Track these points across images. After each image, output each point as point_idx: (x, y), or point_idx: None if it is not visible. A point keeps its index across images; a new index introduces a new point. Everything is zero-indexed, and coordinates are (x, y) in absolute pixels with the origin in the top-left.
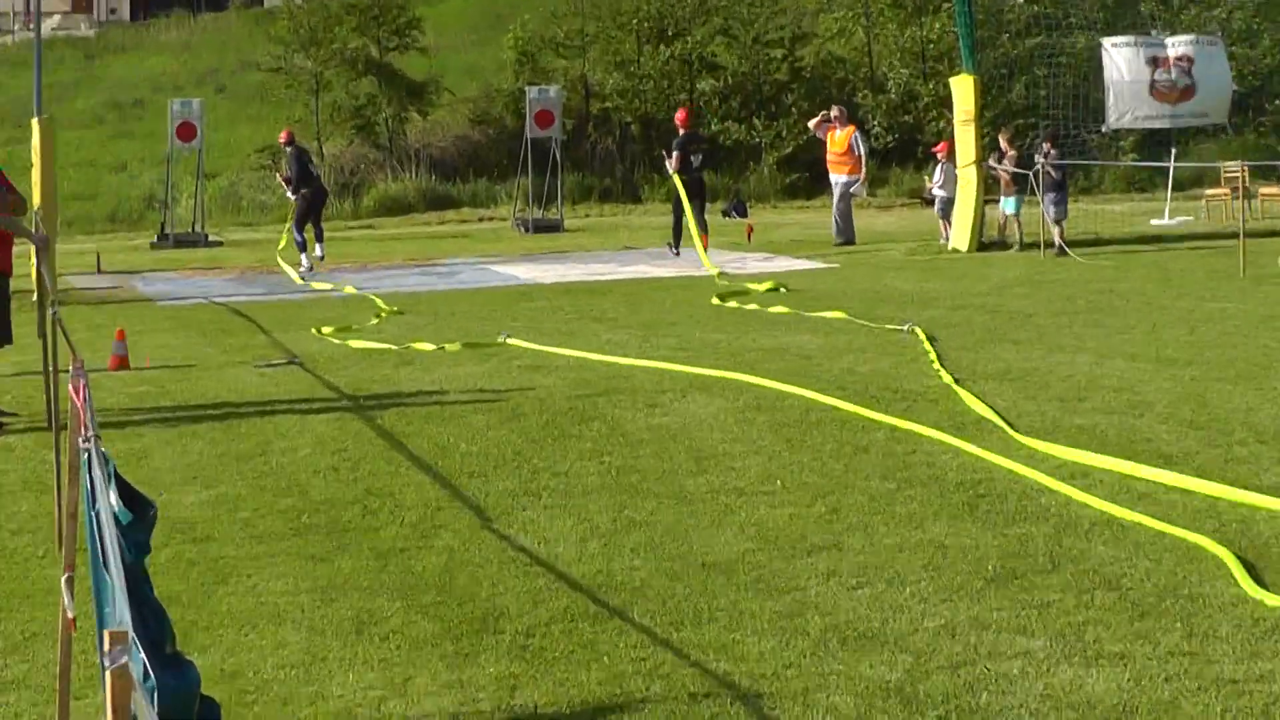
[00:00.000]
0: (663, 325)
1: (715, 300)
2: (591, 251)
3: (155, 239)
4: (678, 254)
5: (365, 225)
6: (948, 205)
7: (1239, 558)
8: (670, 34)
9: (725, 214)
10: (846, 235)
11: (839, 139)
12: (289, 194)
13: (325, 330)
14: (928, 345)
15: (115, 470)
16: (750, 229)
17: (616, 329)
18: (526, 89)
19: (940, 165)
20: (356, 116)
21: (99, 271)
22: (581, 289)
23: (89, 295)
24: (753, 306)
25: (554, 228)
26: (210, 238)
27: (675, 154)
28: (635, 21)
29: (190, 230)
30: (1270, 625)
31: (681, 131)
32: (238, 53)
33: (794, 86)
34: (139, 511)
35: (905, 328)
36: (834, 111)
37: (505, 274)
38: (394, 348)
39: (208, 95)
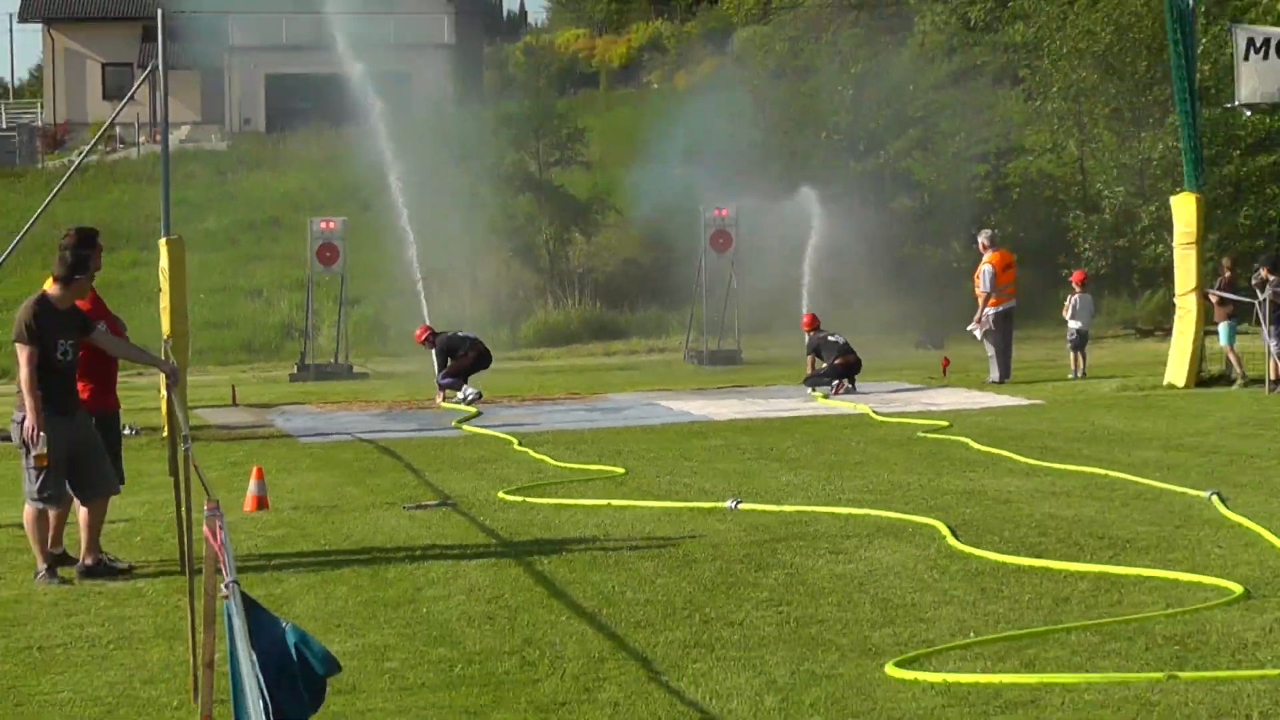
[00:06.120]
0: (849, 466)
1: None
2: (773, 386)
3: (294, 370)
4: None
5: (524, 356)
6: (1080, 337)
7: None
8: (863, 148)
9: (919, 345)
10: (997, 372)
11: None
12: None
13: (509, 493)
14: (1224, 510)
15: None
16: (946, 361)
17: (799, 470)
18: (702, 209)
19: (1075, 295)
20: (514, 237)
21: (234, 405)
22: (761, 426)
23: (223, 431)
24: (962, 440)
25: (731, 360)
26: (354, 369)
27: (810, 357)
28: (824, 135)
29: (332, 361)
30: None
31: (810, 335)
32: (383, 168)
33: (998, 206)
34: (332, 667)
35: (1208, 494)
36: (982, 238)
37: (677, 410)
38: (589, 501)
39: (351, 214)
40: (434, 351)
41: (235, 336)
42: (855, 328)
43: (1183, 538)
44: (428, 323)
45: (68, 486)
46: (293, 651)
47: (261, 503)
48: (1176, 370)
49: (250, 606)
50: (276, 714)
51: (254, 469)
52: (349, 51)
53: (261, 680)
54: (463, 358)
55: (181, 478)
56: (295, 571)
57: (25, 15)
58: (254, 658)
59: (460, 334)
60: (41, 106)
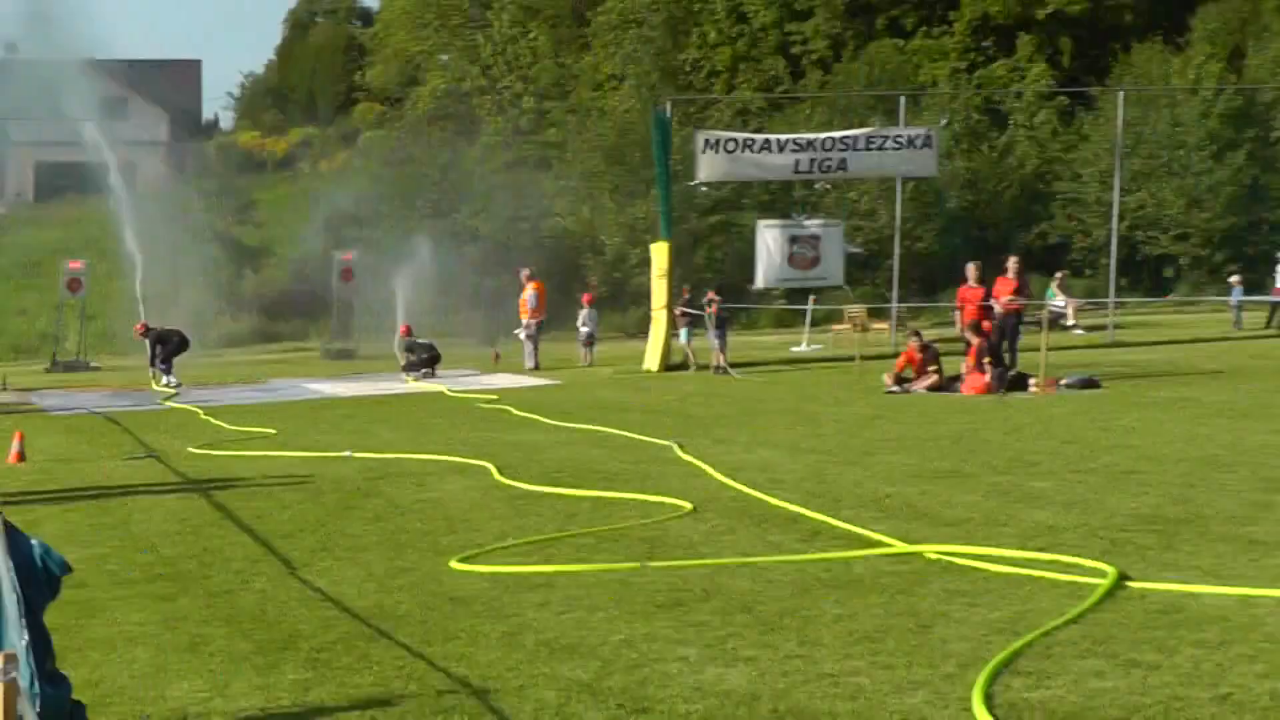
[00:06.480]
0: (430, 427)
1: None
2: (381, 373)
3: (49, 365)
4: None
5: (211, 354)
6: (589, 338)
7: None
8: (445, 212)
9: (480, 344)
10: (532, 361)
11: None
12: (157, 368)
13: (196, 448)
14: (681, 454)
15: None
16: (497, 356)
17: (396, 429)
18: (335, 254)
19: (585, 310)
20: (206, 272)
21: (4, 389)
22: (371, 401)
23: None
24: (511, 409)
25: (352, 355)
26: (91, 364)
27: (405, 354)
28: (419, 204)
29: (76, 358)
30: (860, 635)
31: (405, 339)
32: (118, 226)
33: (536, 252)
34: (66, 570)
35: (671, 443)
36: (524, 273)
37: (314, 389)
38: (250, 453)
39: (92, 258)
40: (148, 341)
41: (6, 342)
42: (437, 333)
43: (653, 472)
44: (144, 320)
45: None
46: (39, 560)
47: (21, 456)
48: (652, 360)
49: (9, 529)
50: (26, 604)
51: (17, 433)
52: (95, 146)
53: (15, 580)
54: (169, 343)
55: None
56: (45, 504)
57: None
58: (10, 565)
59: (167, 328)
60: None
